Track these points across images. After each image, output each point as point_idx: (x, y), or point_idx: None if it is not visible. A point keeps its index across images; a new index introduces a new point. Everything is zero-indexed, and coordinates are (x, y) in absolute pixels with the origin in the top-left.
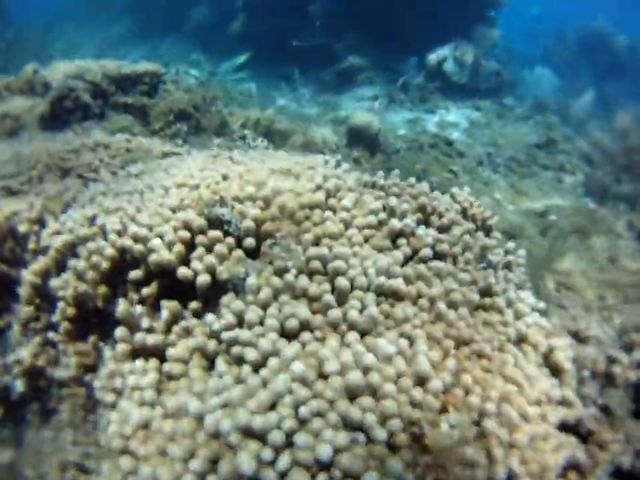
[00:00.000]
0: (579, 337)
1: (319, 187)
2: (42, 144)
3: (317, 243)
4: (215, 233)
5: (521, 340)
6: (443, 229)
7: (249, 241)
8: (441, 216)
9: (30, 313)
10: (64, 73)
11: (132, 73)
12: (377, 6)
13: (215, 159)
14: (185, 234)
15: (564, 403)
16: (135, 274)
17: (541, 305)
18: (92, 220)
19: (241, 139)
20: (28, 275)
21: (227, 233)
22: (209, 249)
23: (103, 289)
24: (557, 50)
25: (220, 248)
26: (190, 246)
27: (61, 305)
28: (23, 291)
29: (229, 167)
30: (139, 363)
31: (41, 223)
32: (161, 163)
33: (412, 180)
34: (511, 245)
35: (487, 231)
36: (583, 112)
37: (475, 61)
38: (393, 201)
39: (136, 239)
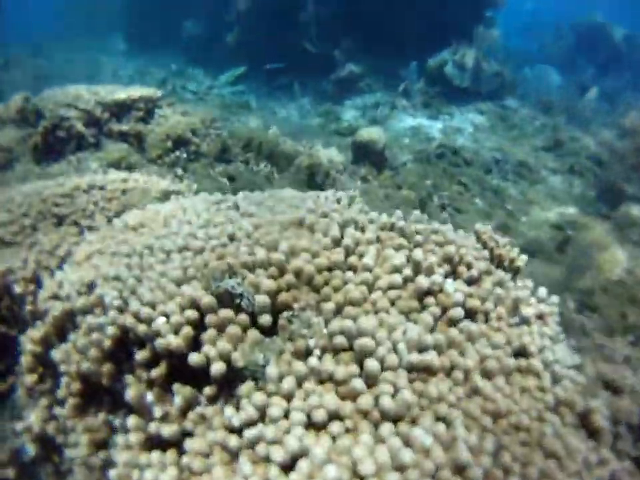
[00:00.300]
0: (613, 388)
1: (335, 241)
2: (35, 186)
3: (339, 310)
4: (226, 313)
5: (558, 403)
6: (473, 281)
7: (265, 318)
8: (469, 266)
9: (33, 380)
10: (55, 102)
11: (126, 98)
12: (372, 10)
13: (219, 207)
14: (193, 314)
15: (601, 462)
16: (141, 356)
17: (576, 359)
18: (90, 287)
19: (244, 164)
20: (28, 344)
21: (238, 306)
22: (221, 329)
23: (107, 367)
24: (554, 45)
25: (233, 329)
26: (199, 325)
27: (65, 379)
28: (24, 360)
29: (234, 222)
30: (156, 455)
31: (37, 281)
32: (160, 212)
33: (436, 225)
34: (542, 292)
35: (515, 272)
36: (588, 110)
37: (475, 63)
38: (417, 254)
39: (138, 318)
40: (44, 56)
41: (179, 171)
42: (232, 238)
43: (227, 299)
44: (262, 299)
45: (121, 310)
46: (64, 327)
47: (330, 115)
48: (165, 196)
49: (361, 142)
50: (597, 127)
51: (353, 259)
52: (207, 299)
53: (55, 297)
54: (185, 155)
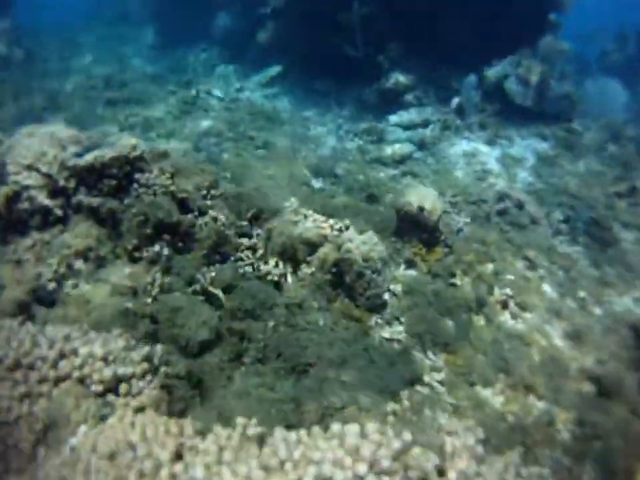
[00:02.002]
0: None
1: None
2: None
3: None
4: None
5: None
6: None
7: None
8: None
9: None
10: (17, 161)
11: (95, 162)
12: (422, 12)
13: None
14: None
15: None
16: None
17: None
18: None
19: (251, 252)
20: None
21: None
22: None
23: None
24: (616, 53)
25: None
26: None
27: None
28: None
29: None
30: None
31: None
32: None
33: None
34: None
35: None
36: None
37: (540, 80)
38: None
39: None
40: (70, 52)
41: (158, 277)
42: None
43: None
44: None
45: None
46: None
47: (371, 134)
48: (111, 387)
49: (408, 213)
50: None
51: None
52: None
53: None
54: (166, 252)
